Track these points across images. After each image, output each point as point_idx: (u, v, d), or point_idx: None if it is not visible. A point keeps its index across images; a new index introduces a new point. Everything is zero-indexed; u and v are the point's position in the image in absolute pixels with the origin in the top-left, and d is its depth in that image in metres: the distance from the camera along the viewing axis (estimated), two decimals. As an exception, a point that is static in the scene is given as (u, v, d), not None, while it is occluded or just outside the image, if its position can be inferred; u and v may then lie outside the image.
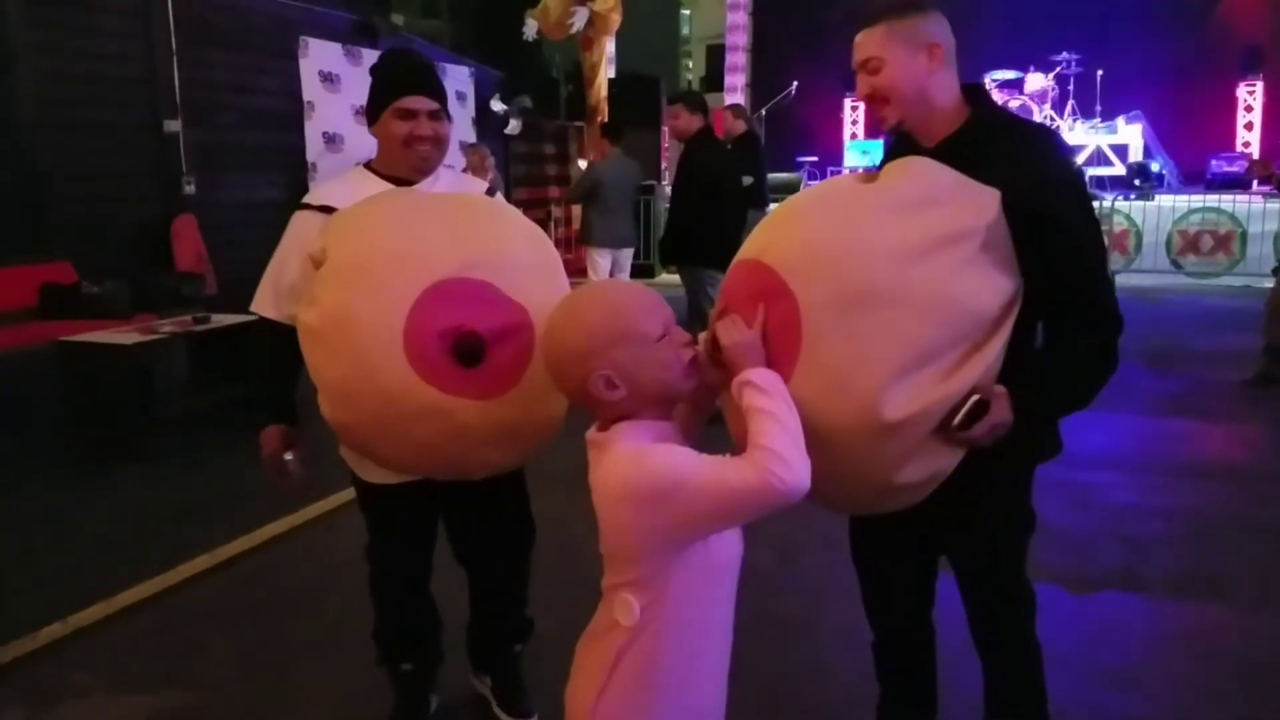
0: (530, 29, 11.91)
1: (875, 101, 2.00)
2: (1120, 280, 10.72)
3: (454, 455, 2.08)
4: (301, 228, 2.38)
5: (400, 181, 2.39)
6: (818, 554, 3.75)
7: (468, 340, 1.87)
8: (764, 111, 13.78)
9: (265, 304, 2.46)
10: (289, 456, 2.50)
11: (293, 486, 2.55)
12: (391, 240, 1.98)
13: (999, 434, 1.79)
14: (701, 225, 5.83)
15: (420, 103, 2.35)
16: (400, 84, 2.36)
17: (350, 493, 4.31)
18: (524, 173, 11.81)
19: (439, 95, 2.39)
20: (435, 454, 2.06)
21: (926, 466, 1.80)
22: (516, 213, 2.33)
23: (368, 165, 2.49)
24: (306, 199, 2.46)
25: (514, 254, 1.99)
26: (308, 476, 2.55)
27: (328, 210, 2.31)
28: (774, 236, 1.88)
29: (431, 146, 2.38)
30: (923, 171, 1.87)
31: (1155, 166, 13.00)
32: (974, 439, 1.77)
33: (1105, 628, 3.30)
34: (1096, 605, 3.47)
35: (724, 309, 1.89)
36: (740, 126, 7.86)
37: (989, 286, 1.77)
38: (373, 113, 2.41)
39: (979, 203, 1.79)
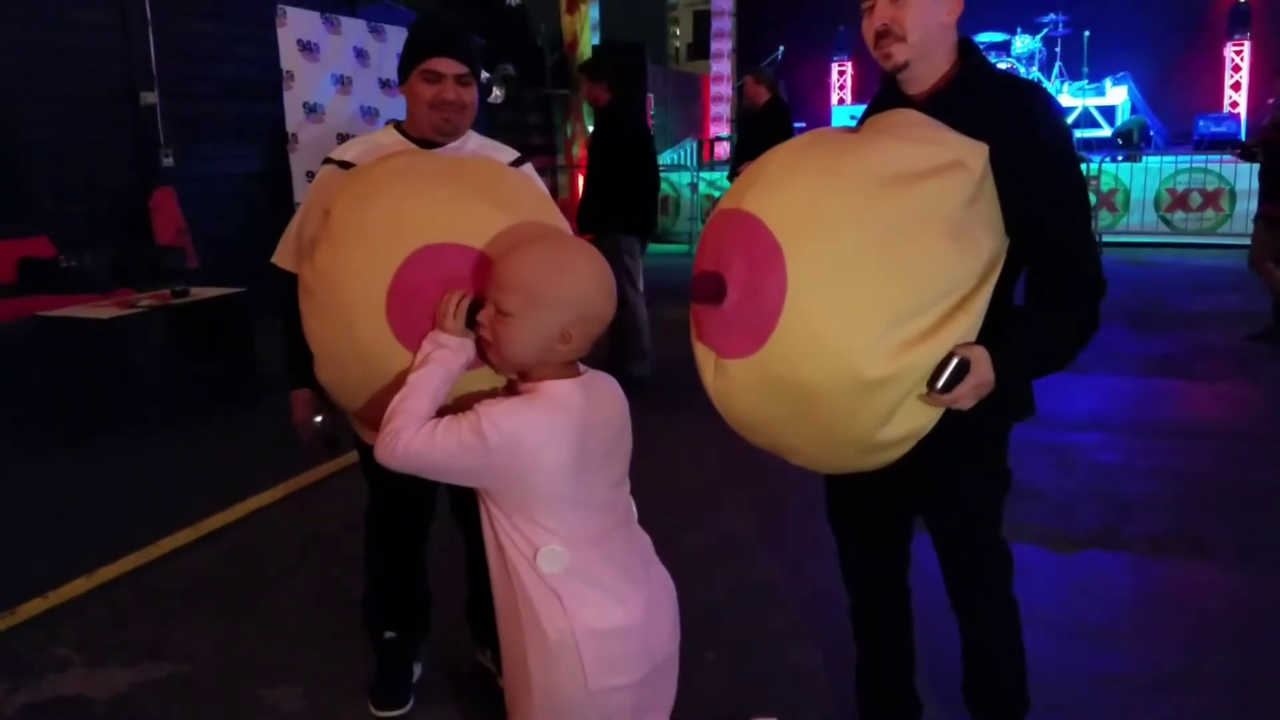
0: None
1: (887, 36, 1.91)
2: (1108, 239, 10.72)
3: None
4: (323, 183, 2.38)
5: (426, 143, 2.38)
6: (800, 517, 3.74)
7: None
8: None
9: (285, 257, 2.45)
10: (318, 420, 2.50)
11: (322, 449, 2.58)
12: (387, 201, 1.94)
13: (981, 394, 1.77)
14: (622, 193, 5.81)
15: (447, 65, 2.33)
16: (428, 46, 2.35)
17: (329, 467, 4.37)
18: (507, 143, 11.62)
19: (467, 59, 2.37)
20: None
21: (907, 424, 1.78)
22: (530, 181, 2.29)
23: (397, 125, 2.48)
24: (331, 154, 2.45)
25: (514, 223, 1.93)
26: (339, 439, 2.56)
27: (348, 166, 2.31)
28: (760, 186, 1.84)
29: (455, 111, 2.37)
30: (911, 126, 1.84)
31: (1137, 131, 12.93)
32: (957, 400, 1.75)
33: (1087, 587, 3.30)
34: (1079, 565, 3.47)
35: (705, 260, 1.86)
36: (763, 94, 7.66)
37: (975, 243, 1.75)
38: (402, 73, 2.41)
39: (967, 157, 1.77)
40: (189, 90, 8.00)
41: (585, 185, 6.12)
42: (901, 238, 1.70)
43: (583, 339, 1.65)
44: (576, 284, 1.63)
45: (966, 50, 1.96)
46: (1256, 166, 6.93)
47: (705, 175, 13.04)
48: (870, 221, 1.70)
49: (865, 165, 1.78)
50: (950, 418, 1.81)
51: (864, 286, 1.68)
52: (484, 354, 1.74)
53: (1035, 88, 1.99)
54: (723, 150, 15.26)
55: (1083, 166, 10.97)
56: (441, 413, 1.69)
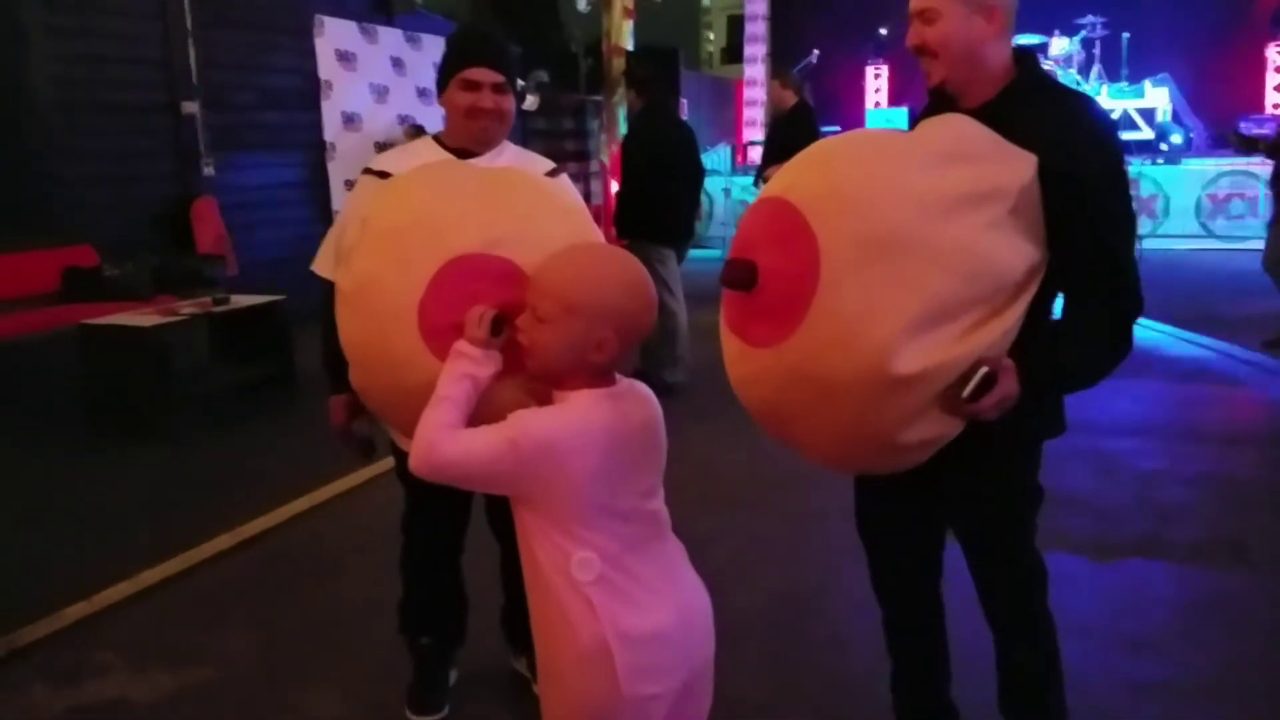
0: (582, 1, 11.97)
1: (923, 54, 1.93)
2: (1148, 244, 10.58)
3: None
4: (361, 191, 2.41)
5: (463, 153, 2.39)
6: (836, 525, 3.70)
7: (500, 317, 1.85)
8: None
9: (325, 265, 2.46)
10: (355, 425, 2.52)
11: (360, 454, 2.61)
12: (421, 211, 1.96)
13: (1006, 407, 1.75)
14: (648, 200, 5.77)
15: (484, 74, 2.36)
16: (466, 55, 2.38)
17: (368, 472, 4.40)
18: (541, 149, 11.65)
19: (504, 69, 2.39)
20: None
21: (931, 429, 1.76)
22: (563, 192, 2.31)
23: (435, 136, 2.51)
24: (370, 164, 2.48)
25: (547, 235, 1.94)
26: (376, 444, 2.58)
27: (386, 175, 2.33)
28: (800, 176, 1.84)
29: (492, 119, 2.39)
30: (960, 128, 1.84)
31: (1176, 139, 12.72)
32: (981, 411, 1.72)
33: (1129, 595, 3.27)
34: (1120, 572, 3.43)
35: (739, 248, 1.85)
36: (789, 98, 7.61)
37: (1015, 250, 1.73)
38: (440, 83, 2.44)
39: (1015, 165, 1.76)
40: (229, 100, 8.11)
41: (618, 191, 6.14)
42: (942, 229, 1.67)
43: (620, 347, 1.64)
44: (612, 293, 1.63)
45: (1023, 61, 1.95)
46: None
47: (738, 180, 13.03)
48: (909, 209, 1.68)
49: (905, 155, 1.78)
50: (979, 432, 1.79)
51: (899, 277, 1.65)
52: (520, 360, 1.74)
53: (1089, 101, 1.98)
54: (757, 154, 15.24)
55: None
56: (476, 421, 1.70)
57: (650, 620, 1.66)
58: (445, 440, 1.64)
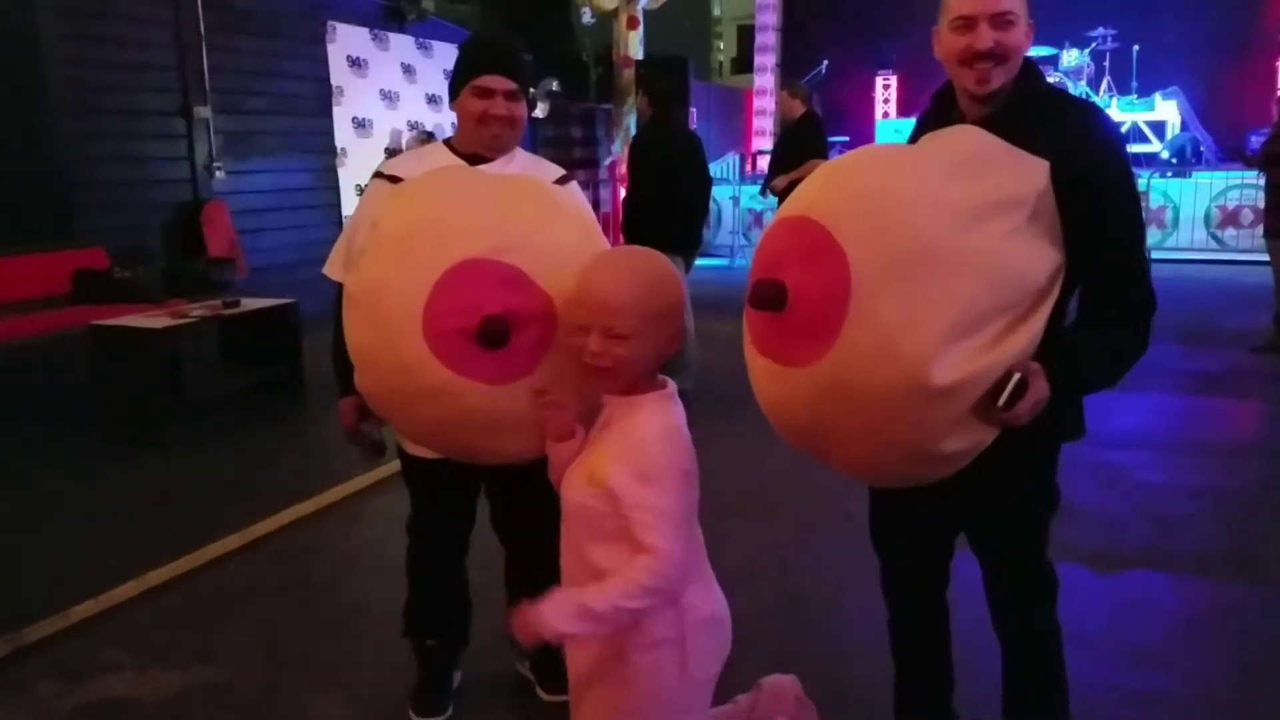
0: (586, 13, 12.00)
1: (988, 59, 1.89)
2: (1156, 256, 10.58)
3: (461, 439, 2.07)
4: (372, 195, 2.43)
5: (475, 159, 2.41)
6: (842, 531, 3.72)
7: (494, 323, 1.86)
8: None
9: (336, 267, 2.49)
10: (365, 426, 2.53)
11: (369, 455, 2.61)
12: (428, 215, 1.98)
13: (1038, 411, 1.75)
14: (658, 209, 5.76)
15: (497, 82, 2.37)
16: (480, 62, 2.40)
17: (375, 475, 4.42)
18: (550, 156, 11.65)
19: (518, 76, 2.41)
20: (444, 435, 2.07)
21: (969, 436, 1.76)
22: (573, 201, 2.32)
23: (447, 141, 2.53)
24: (381, 167, 2.49)
25: (554, 242, 1.97)
26: (385, 445, 2.59)
27: (397, 180, 2.34)
28: (820, 193, 1.84)
29: (505, 126, 2.40)
30: (973, 139, 1.85)
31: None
32: (1018, 417, 1.72)
33: (1133, 606, 3.27)
34: (1125, 584, 3.43)
35: (764, 268, 1.85)
36: (797, 108, 7.61)
37: (1037, 255, 1.75)
38: (453, 89, 2.45)
39: (1029, 172, 1.78)
40: (241, 106, 8.17)
41: (626, 199, 6.15)
42: (967, 238, 1.68)
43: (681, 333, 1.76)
44: (674, 288, 1.73)
45: (1027, 72, 1.97)
46: None
47: (747, 189, 13.05)
48: (935, 220, 1.69)
49: (923, 167, 1.79)
50: (1000, 437, 1.80)
51: (931, 288, 1.66)
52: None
53: (1093, 106, 2.01)
54: (765, 164, 15.27)
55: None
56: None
57: (712, 603, 1.78)
58: (664, 544, 1.65)
